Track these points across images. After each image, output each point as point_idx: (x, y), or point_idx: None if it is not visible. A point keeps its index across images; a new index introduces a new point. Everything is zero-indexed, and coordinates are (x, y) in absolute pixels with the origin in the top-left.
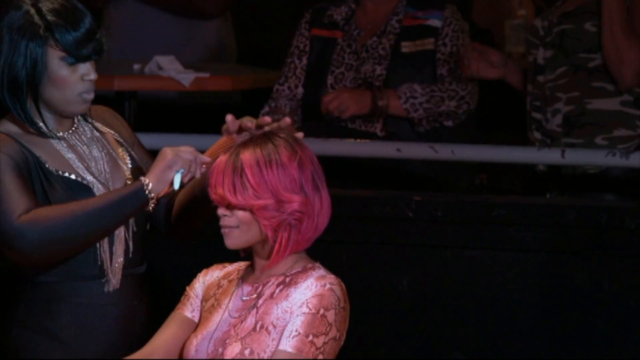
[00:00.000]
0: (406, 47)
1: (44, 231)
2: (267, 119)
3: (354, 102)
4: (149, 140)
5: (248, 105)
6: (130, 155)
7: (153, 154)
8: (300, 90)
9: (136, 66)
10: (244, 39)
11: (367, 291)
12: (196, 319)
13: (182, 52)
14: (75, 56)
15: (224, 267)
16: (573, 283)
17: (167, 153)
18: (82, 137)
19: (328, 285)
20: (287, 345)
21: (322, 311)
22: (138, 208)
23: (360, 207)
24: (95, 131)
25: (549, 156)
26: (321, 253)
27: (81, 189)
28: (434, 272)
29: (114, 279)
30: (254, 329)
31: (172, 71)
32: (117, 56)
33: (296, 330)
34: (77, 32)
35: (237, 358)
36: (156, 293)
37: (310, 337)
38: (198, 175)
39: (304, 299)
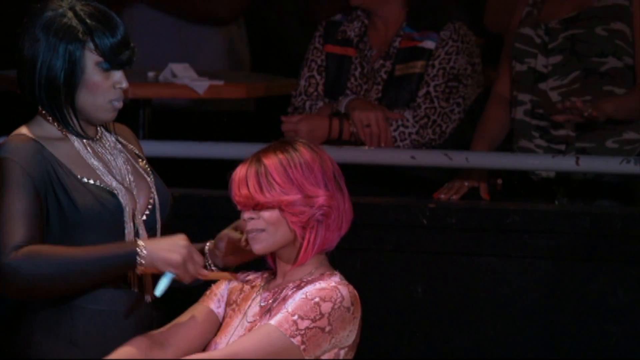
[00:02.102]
0: (399, 69)
1: (31, 272)
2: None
3: (308, 130)
4: (162, 148)
5: (262, 113)
6: (151, 170)
7: (167, 162)
8: (320, 103)
9: (150, 74)
10: (258, 47)
11: (381, 298)
12: (220, 317)
13: (196, 59)
14: (110, 62)
15: (249, 274)
16: (588, 290)
17: (181, 244)
18: (106, 145)
19: (334, 284)
20: (273, 319)
21: (317, 299)
22: (124, 269)
23: (375, 214)
24: (118, 143)
25: (564, 163)
26: (336, 260)
27: (107, 195)
28: (449, 279)
29: (149, 292)
30: None
31: (186, 79)
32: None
33: (285, 309)
34: (114, 38)
35: None
36: (173, 305)
37: (295, 317)
38: (185, 281)
39: (306, 290)
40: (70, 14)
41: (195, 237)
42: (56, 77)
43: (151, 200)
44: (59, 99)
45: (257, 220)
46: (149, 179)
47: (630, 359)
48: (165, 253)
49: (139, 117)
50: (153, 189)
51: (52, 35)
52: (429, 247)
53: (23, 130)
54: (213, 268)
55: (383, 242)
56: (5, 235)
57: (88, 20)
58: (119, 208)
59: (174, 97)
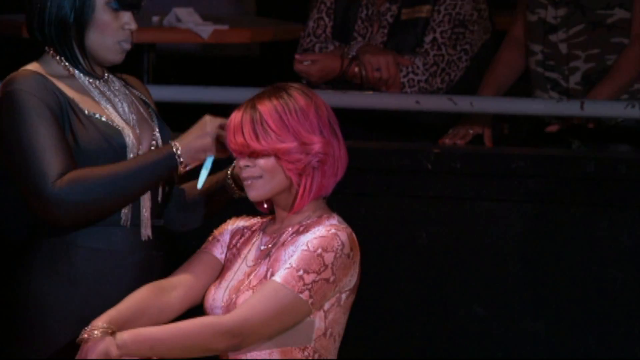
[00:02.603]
0: (405, 14)
1: (80, 198)
2: None
3: (321, 70)
4: (167, 92)
5: (266, 58)
6: (156, 115)
7: (170, 105)
8: (330, 46)
9: (155, 18)
10: None
11: (386, 244)
12: (222, 262)
13: (201, 4)
14: (120, 2)
15: (250, 218)
16: (593, 235)
17: (206, 122)
18: (112, 87)
19: (333, 230)
20: (278, 276)
21: (319, 251)
22: (168, 173)
23: (379, 159)
24: (124, 87)
25: (568, 108)
26: (340, 205)
27: (112, 131)
28: (453, 225)
29: (146, 230)
30: (265, 276)
31: (190, 23)
32: None
33: (289, 264)
34: None
35: None
36: (172, 247)
37: (301, 272)
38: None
39: (306, 240)
40: None
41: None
42: (66, 16)
43: (153, 143)
44: (69, 38)
45: (253, 167)
46: (152, 123)
47: (636, 304)
48: (197, 141)
49: (143, 62)
50: (156, 132)
51: None
52: (433, 192)
53: (29, 66)
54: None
55: (387, 187)
56: (43, 165)
57: None
58: (123, 146)
59: (178, 41)
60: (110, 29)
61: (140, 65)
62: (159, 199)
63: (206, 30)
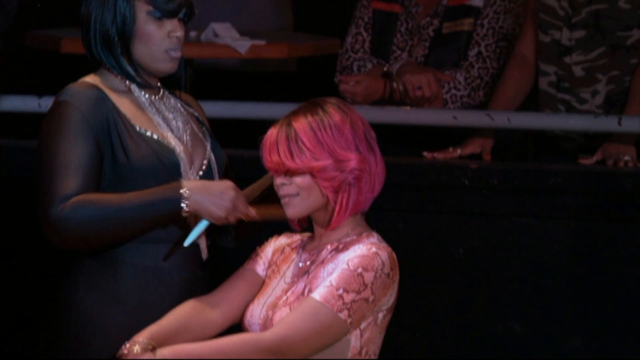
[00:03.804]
0: (446, 27)
1: (79, 224)
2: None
3: (365, 91)
4: (205, 108)
5: (304, 73)
6: (209, 134)
7: (209, 122)
8: (369, 64)
9: (192, 33)
10: (301, 6)
11: (423, 259)
12: (264, 279)
13: (239, 19)
14: (161, 10)
15: (292, 235)
16: (630, 251)
17: (229, 197)
18: (167, 105)
19: (374, 249)
20: (317, 294)
21: (360, 270)
22: (170, 216)
23: (417, 175)
24: (179, 105)
25: (606, 124)
26: (377, 221)
27: (165, 150)
28: (491, 241)
29: (204, 250)
30: (303, 293)
31: (228, 38)
32: None
33: (329, 282)
34: None
35: None
36: (216, 267)
37: (340, 291)
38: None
39: (346, 259)
40: None
41: None
42: (109, 30)
43: (205, 162)
44: (116, 52)
45: (289, 185)
46: (205, 142)
47: None
48: (211, 208)
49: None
50: (209, 152)
51: None
52: (470, 208)
53: (87, 78)
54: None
55: (424, 203)
56: (56, 185)
57: None
58: (176, 164)
59: (215, 57)
60: (155, 38)
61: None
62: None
63: (244, 46)
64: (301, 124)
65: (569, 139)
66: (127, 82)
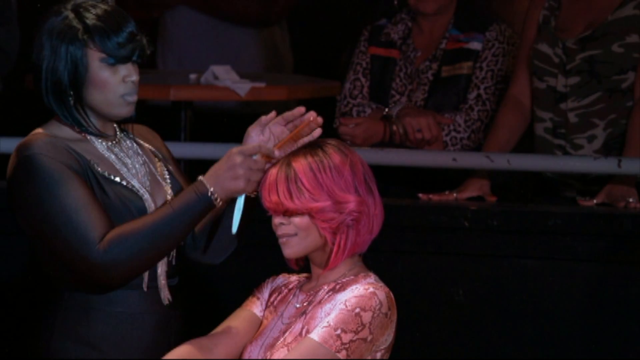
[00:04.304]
0: (445, 71)
1: (126, 256)
2: (300, 109)
3: (365, 133)
4: (204, 150)
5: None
6: (168, 170)
7: (209, 163)
8: (368, 110)
9: (192, 76)
10: (300, 49)
11: (423, 300)
12: (262, 319)
13: (238, 61)
14: (114, 56)
15: (289, 276)
16: (631, 293)
17: (237, 164)
18: (124, 148)
19: (371, 289)
20: (315, 334)
21: (357, 310)
22: (206, 213)
23: (416, 216)
24: (136, 145)
25: (606, 165)
26: (377, 263)
27: (131, 195)
28: (491, 282)
29: (164, 292)
30: (300, 333)
31: (228, 81)
32: (173, 66)
33: (327, 322)
34: (117, 34)
35: None
36: (190, 304)
37: (339, 331)
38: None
39: (344, 299)
40: (71, 15)
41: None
42: (61, 79)
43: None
44: (67, 101)
45: (287, 225)
46: (164, 184)
47: None
48: (229, 183)
49: (181, 120)
50: (169, 194)
51: (54, 38)
52: (470, 250)
53: (39, 130)
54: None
55: (424, 244)
56: (82, 231)
57: (88, 20)
58: (142, 210)
59: (215, 99)
60: (110, 84)
61: (177, 122)
62: (172, 259)
63: (243, 88)
64: (301, 165)
65: (567, 184)
66: (82, 132)
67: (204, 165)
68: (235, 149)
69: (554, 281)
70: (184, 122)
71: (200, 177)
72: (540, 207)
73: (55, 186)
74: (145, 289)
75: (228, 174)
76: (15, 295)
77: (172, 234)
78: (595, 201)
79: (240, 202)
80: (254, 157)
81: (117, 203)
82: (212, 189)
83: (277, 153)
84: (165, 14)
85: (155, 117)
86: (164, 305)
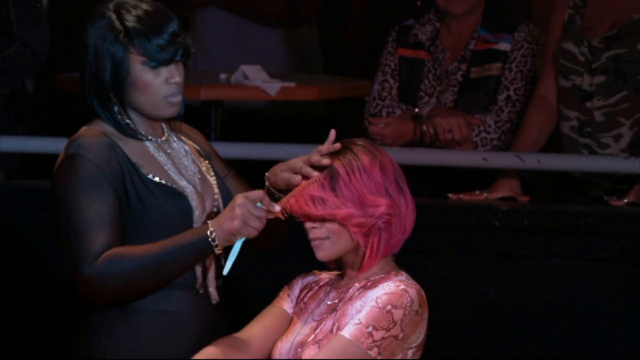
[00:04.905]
0: (474, 72)
1: (114, 279)
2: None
3: (395, 133)
4: (235, 149)
5: (333, 115)
6: (212, 169)
7: (239, 163)
8: (398, 111)
9: (222, 76)
10: (330, 49)
11: (454, 300)
12: (292, 316)
13: (268, 61)
14: (155, 60)
15: (319, 273)
16: None
17: (236, 205)
18: (174, 146)
19: (402, 286)
20: (346, 331)
21: (389, 307)
22: (203, 256)
23: (447, 216)
24: (183, 144)
25: (636, 165)
26: (407, 262)
27: (177, 196)
28: (521, 282)
29: (214, 291)
30: (331, 331)
31: (258, 80)
32: (204, 66)
33: (358, 320)
34: (158, 36)
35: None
36: (234, 305)
37: (370, 329)
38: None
39: (375, 296)
40: (114, 16)
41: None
42: (103, 82)
43: (216, 203)
44: (110, 104)
45: (319, 229)
46: (212, 181)
47: None
48: (226, 224)
49: (211, 119)
50: (217, 191)
51: (97, 40)
52: (501, 250)
53: (94, 125)
54: (275, 192)
55: (455, 244)
56: (84, 243)
57: (129, 22)
58: (188, 209)
59: (245, 99)
60: (153, 87)
61: (208, 122)
62: (222, 260)
63: (274, 88)
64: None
65: (594, 183)
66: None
67: (234, 165)
68: (240, 194)
69: (585, 281)
70: (214, 122)
71: (210, 223)
72: (570, 207)
73: (83, 194)
74: (199, 290)
75: (227, 214)
76: (62, 295)
77: (164, 268)
78: (625, 200)
79: (237, 245)
80: (257, 204)
81: (163, 204)
82: (211, 229)
83: (277, 208)
84: (196, 14)
85: (185, 117)
86: (213, 306)
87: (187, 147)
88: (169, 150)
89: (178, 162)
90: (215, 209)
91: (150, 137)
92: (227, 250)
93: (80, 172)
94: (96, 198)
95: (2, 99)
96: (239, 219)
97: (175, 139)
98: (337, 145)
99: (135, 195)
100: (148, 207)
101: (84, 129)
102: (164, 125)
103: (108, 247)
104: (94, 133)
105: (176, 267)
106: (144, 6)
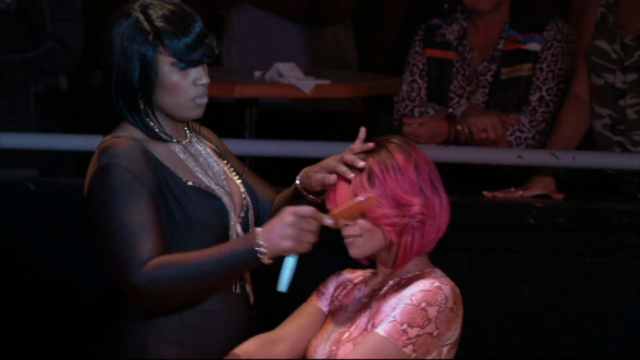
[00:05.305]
0: (505, 73)
1: (162, 287)
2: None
3: (429, 133)
4: (269, 147)
5: (368, 112)
6: (233, 168)
7: (273, 160)
8: (431, 111)
9: (257, 73)
10: (365, 47)
11: (489, 298)
12: (327, 314)
13: (303, 58)
14: (185, 61)
15: (354, 271)
16: None
17: (288, 224)
18: (197, 148)
19: (437, 284)
20: (381, 329)
21: (423, 304)
22: (252, 266)
23: (482, 213)
24: (204, 145)
25: None
26: (442, 260)
27: (211, 197)
28: (557, 279)
29: (250, 291)
30: (366, 328)
31: (292, 78)
32: (238, 63)
33: (393, 317)
34: (187, 37)
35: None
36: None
37: (405, 326)
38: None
39: (410, 293)
40: (141, 17)
41: None
42: (131, 83)
43: (244, 202)
44: (137, 104)
45: (353, 227)
46: (236, 180)
47: None
48: (279, 242)
49: (246, 117)
50: (243, 189)
51: (125, 41)
52: (536, 247)
53: (120, 132)
54: (307, 195)
55: (490, 242)
56: (130, 252)
57: (158, 23)
58: (223, 210)
59: (280, 96)
60: (181, 88)
61: (242, 120)
62: None
63: (308, 85)
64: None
65: (626, 181)
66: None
67: (268, 162)
68: (290, 208)
69: (620, 278)
70: (249, 120)
71: (257, 229)
72: (605, 205)
73: (122, 202)
74: (235, 289)
75: (279, 232)
76: (99, 295)
77: (212, 277)
78: None
79: (290, 262)
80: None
81: (201, 207)
82: (261, 243)
83: (328, 222)
84: (231, 12)
85: (220, 115)
86: (249, 305)
87: (207, 149)
88: (194, 152)
89: (204, 163)
90: (244, 208)
91: (176, 139)
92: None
93: (117, 180)
94: (136, 205)
95: (36, 96)
96: (292, 239)
97: (196, 140)
98: (370, 145)
99: (174, 201)
100: (188, 212)
101: (109, 137)
102: (185, 128)
103: (154, 253)
104: (123, 140)
105: (223, 277)
106: (170, 6)
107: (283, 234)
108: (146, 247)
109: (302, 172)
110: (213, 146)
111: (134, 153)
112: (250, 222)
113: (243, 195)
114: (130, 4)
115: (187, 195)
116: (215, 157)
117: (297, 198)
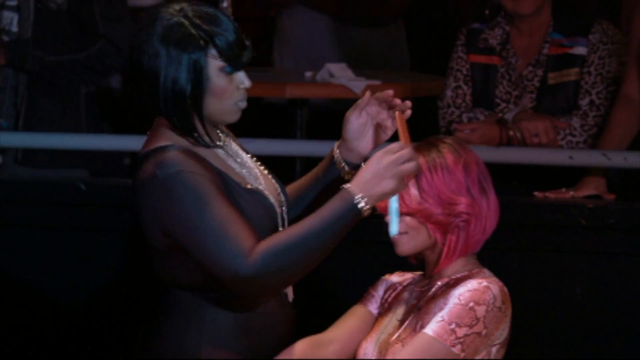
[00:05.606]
0: (552, 78)
1: (276, 268)
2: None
3: (481, 138)
4: (320, 148)
5: (419, 113)
6: (260, 163)
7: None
8: (480, 116)
9: (308, 74)
10: (418, 47)
11: (540, 299)
12: (376, 316)
13: (354, 59)
14: (233, 65)
15: (404, 273)
16: None
17: (391, 175)
18: (234, 149)
19: (485, 283)
20: (429, 329)
21: (471, 304)
22: (354, 223)
23: (533, 214)
24: (237, 146)
25: None
26: (493, 260)
27: (262, 198)
28: (608, 280)
29: (290, 290)
30: (414, 329)
31: (343, 79)
32: (289, 64)
33: (441, 317)
34: (233, 38)
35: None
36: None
37: (453, 325)
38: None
39: (458, 293)
40: (186, 22)
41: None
42: (183, 89)
43: (280, 197)
44: (187, 110)
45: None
46: (271, 177)
47: None
48: (379, 187)
49: (297, 117)
50: (277, 185)
51: (172, 46)
52: (587, 248)
53: (164, 141)
54: (345, 166)
55: (541, 243)
56: (231, 246)
57: (205, 26)
58: (272, 208)
59: (331, 97)
60: (227, 93)
61: (293, 120)
62: None
63: (359, 86)
64: None
65: None
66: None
67: (319, 163)
68: (378, 152)
69: None
70: (300, 120)
71: (347, 186)
72: None
73: (203, 203)
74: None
75: (378, 177)
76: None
77: (322, 246)
78: None
79: (394, 204)
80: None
81: (257, 209)
82: (360, 195)
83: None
84: (282, 12)
85: (271, 115)
86: (289, 303)
87: (239, 147)
88: (232, 154)
89: (243, 164)
90: (282, 204)
91: (214, 145)
92: None
93: (189, 186)
94: (216, 203)
95: (87, 97)
96: (394, 178)
97: (230, 141)
98: (390, 92)
99: (236, 204)
100: (247, 214)
101: (158, 150)
102: (218, 131)
103: (253, 241)
104: (174, 152)
105: (332, 241)
106: (209, 10)
107: (383, 176)
108: (245, 238)
109: (338, 143)
110: (238, 142)
111: (193, 160)
112: (285, 217)
113: (278, 191)
114: (164, 8)
115: (245, 199)
116: (247, 155)
117: (326, 175)
